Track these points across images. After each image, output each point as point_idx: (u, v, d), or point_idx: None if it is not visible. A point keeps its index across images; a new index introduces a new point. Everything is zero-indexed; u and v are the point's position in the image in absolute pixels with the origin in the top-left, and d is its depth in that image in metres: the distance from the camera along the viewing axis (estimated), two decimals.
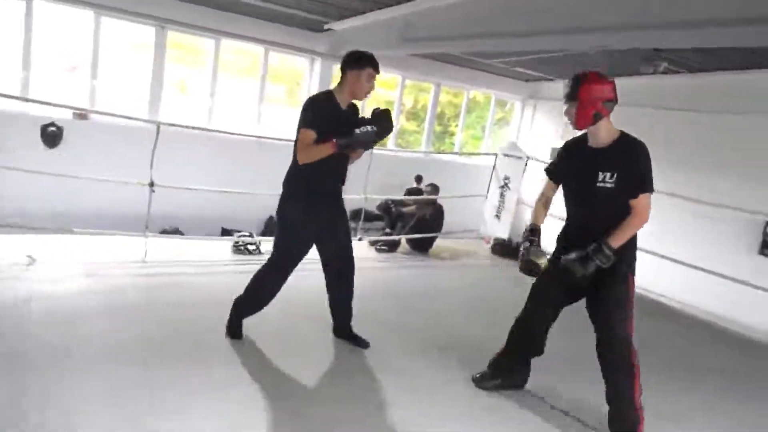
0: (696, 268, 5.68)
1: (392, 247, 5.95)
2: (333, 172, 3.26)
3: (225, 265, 4.90)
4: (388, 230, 6.26)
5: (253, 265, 4.85)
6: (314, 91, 9.36)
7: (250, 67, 9.27)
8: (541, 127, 11.38)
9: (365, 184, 5.84)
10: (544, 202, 3.19)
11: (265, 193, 8.83)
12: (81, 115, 7.31)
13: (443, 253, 6.49)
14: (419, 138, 11.51)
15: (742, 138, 8.11)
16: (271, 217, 9.29)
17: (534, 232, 3.07)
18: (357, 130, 3.05)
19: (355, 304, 3.60)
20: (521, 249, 3.03)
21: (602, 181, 2.81)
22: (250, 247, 5.18)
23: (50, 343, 3.06)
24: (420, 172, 9.93)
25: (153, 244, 4.74)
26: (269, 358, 3.34)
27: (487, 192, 6.47)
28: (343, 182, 3.38)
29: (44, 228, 5.03)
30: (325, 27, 8.59)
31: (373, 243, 6.04)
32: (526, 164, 6.66)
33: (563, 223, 3.14)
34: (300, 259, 3.37)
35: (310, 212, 3.22)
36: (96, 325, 3.31)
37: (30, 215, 7.04)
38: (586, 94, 2.79)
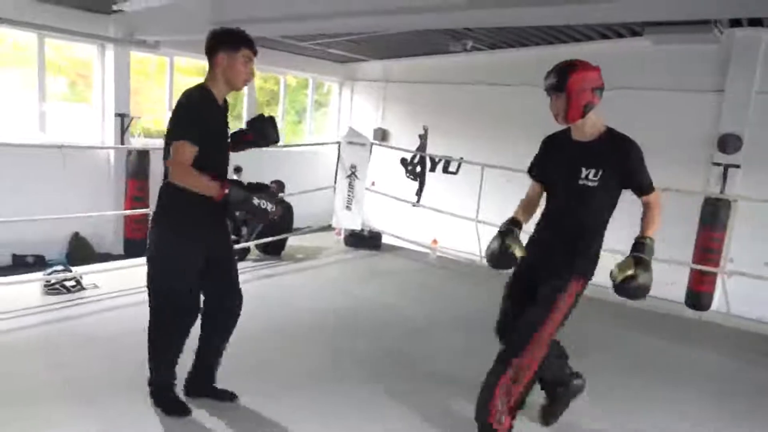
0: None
1: (242, 255, 5.38)
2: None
3: (34, 314, 3.89)
4: (234, 237, 5.66)
5: (74, 308, 4.04)
6: (110, 83, 8.13)
7: (18, 57, 7.65)
8: (361, 109, 11.45)
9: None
10: (525, 203, 2.86)
11: (66, 216, 7.79)
12: None
13: (297, 253, 6.09)
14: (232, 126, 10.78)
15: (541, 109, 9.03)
16: (76, 234, 7.93)
17: (513, 222, 2.75)
18: (254, 199, 2.51)
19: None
20: (493, 238, 2.71)
21: (584, 178, 2.57)
22: (68, 284, 4.17)
23: None
24: (242, 163, 9.30)
25: None
26: None
27: (335, 183, 6.20)
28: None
29: None
30: (114, 8, 7.43)
31: None
32: (370, 150, 6.53)
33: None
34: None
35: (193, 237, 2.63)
36: None
37: None
38: (575, 85, 2.49)
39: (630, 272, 2.43)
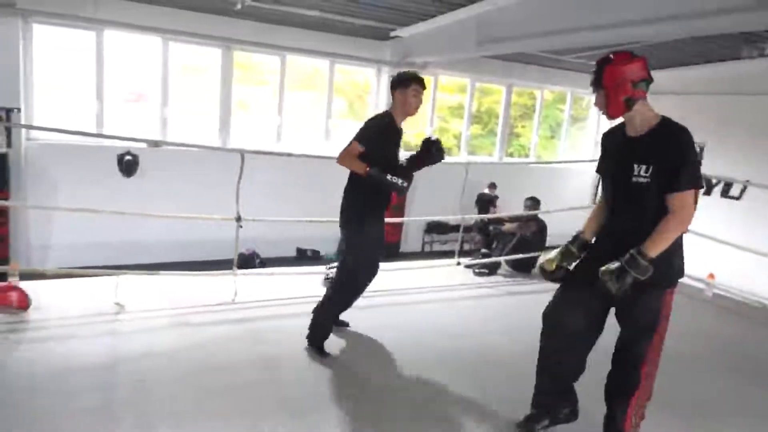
0: None
1: (492, 269, 5.45)
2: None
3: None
4: (485, 251, 5.76)
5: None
6: (382, 102, 9.06)
7: (311, 81, 9.03)
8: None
9: (460, 198, 5.36)
10: (596, 209, 2.77)
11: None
12: (155, 143, 7.23)
13: None
14: (484, 142, 11.00)
15: None
16: None
17: (574, 239, 2.73)
18: (388, 176, 3.25)
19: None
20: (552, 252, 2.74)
21: (637, 175, 2.39)
22: None
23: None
24: (492, 177, 9.47)
25: (241, 282, 4.46)
26: None
27: (595, 200, 5.87)
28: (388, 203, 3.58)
29: (127, 266, 4.87)
30: (392, 35, 8.24)
31: (469, 266, 5.57)
32: None
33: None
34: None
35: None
36: (193, 395, 2.99)
37: (109, 249, 7.07)
38: (610, 79, 2.41)
39: (606, 278, 2.35)
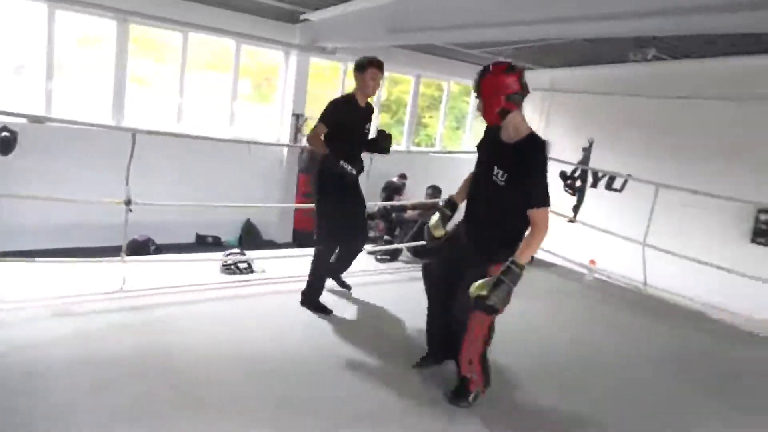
0: (687, 258, 5.49)
1: (393, 256, 5.54)
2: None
3: (214, 290, 4.40)
4: (387, 238, 5.85)
5: (246, 288, 4.49)
6: (290, 85, 8.89)
7: (216, 61, 8.68)
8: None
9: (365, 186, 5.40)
10: (468, 179, 3.14)
11: (247, 205, 8.77)
12: (37, 118, 6.63)
13: None
14: (392, 131, 11.12)
15: (731, 126, 8.04)
16: (248, 220, 8.80)
17: (447, 203, 3.17)
18: (341, 163, 3.64)
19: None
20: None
21: (496, 176, 2.69)
22: (241, 266, 4.68)
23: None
24: (399, 167, 9.59)
25: (130, 269, 4.22)
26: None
27: None
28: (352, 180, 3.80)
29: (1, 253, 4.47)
30: (302, 18, 8.10)
31: (372, 253, 5.63)
32: None
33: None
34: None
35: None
36: (77, 387, 2.81)
37: None
38: (487, 90, 2.63)
39: (483, 293, 2.58)
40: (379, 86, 3.90)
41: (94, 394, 2.75)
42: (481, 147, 2.94)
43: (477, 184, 2.92)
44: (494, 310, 2.64)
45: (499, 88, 2.59)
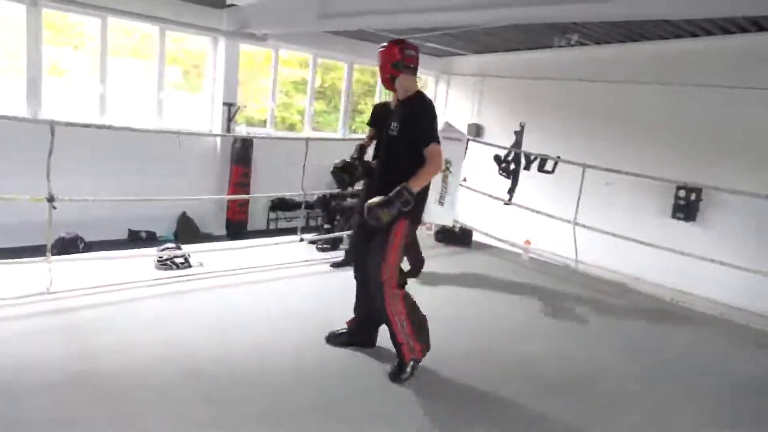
0: (612, 234, 5.80)
1: (334, 244, 5.51)
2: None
3: (150, 287, 4.23)
4: (327, 226, 5.81)
5: (184, 284, 4.34)
6: (220, 73, 8.60)
7: (140, 48, 8.28)
8: (456, 103, 11.33)
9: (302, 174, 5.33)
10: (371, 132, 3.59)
11: (180, 198, 8.45)
12: None
13: None
14: (329, 118, 11.06)
15: (653, 108, 8.49)
16: (183, 214, 8.50)
17: (356, 150, 3.54)
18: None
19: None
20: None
21: (391, 129, 3.13)
22: (177, 261, 4.52)
23: None
24: (339, 155, 9.52)
25: (57, 269, 3.98)
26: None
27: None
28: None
29: None
30: (228, 2, 7.85)
31: (313, 242, 5.58)
32: (466, 146, 6.44)
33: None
34: None
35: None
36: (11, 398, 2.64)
37: None
38: (380, 60, 3.19)
39: (375, 206, 2.85)
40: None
41: (12, 404, 2.59)
42: (374, 120, 3.46)
43: (378, 145, 3.33)
44: (378, 220, 2.86)
45: (386, 58, 3.14)
